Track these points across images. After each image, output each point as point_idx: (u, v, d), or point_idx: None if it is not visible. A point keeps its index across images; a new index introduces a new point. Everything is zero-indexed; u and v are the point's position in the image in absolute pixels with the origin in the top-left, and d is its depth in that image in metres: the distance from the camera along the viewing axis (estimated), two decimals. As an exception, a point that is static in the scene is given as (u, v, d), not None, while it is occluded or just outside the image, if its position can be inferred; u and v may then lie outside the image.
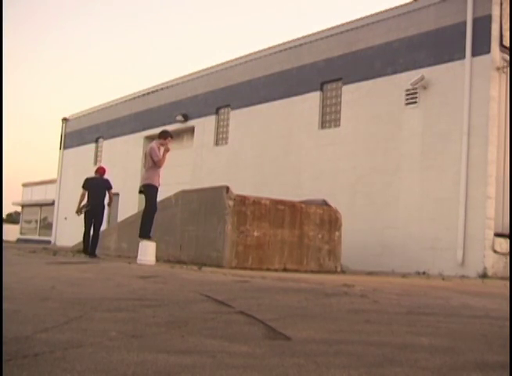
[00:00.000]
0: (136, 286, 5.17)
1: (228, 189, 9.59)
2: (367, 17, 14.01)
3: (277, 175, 15.48)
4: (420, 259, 11.68)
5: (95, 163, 24.20)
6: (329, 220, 10.65)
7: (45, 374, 1.89)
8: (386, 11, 13.62)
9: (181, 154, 19.82)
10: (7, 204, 42.49)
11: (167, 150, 9.52)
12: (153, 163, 9.49)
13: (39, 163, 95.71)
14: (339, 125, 14.40)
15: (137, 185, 20.42)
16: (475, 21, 11.70)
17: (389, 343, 2.74)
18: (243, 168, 16.61)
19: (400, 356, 2.42)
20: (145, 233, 9.42)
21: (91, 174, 12.01)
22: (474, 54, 11.68)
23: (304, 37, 15.55)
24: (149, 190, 9.58)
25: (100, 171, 11.65)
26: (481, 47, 11.59)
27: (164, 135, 9.66)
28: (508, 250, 11.14)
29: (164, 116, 20.11)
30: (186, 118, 19.14)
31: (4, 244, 14.00)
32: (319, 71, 14.95)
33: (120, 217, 18.06)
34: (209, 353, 2.33)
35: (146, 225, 9.46)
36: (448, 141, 11.95)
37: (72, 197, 25.17)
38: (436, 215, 11.86)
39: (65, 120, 26.85)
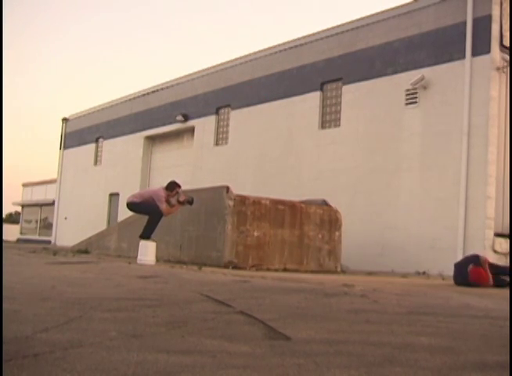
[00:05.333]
0: (136, 286, 5.18)
1: (228, 189, 9.59)
2: (367, 17, 14.01)
3: (277, 175, 15.47)
4: (419, 259, 11.67)
5: (96, 163, 24.21)
6: (330, 220, 10.65)
7: (45, 374, 1.89)
8: (386, 11, 13.62)
9: (181, 154, 19.84)
10: (7, 204, 42.54)
11: (180, 203, 9.52)
12: (152, 199, 9.49)
13: (39, 163, 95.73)
14: (339, 125, 14.39)
15: (137, 185, 20.58)
16: (475, 21, 11.70)
17: (389, 343, 2.74)
18: (243, 168, 16.60)
19: (400, 356, 2.42)
20: (146, 235, 9.47)
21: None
22: (474, 54, 11.68)
23: (304, 37, 15.55)
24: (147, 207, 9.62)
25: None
26: (481, 47, 11.59)
27: (171, 187, 9.62)
28: (508, 250, 11.13)
29: (164, 116, 20.11)
30: (186, 118, 19.13)
31: (4, 244, 14.00)
32: (319, 71, 14.95)
33: (120, 217, 18.06)
34: (209, 353, 2.32)
35: (149, 227, 9.52)
36: (448, 141, 11.95)
37: (72, 197, 25.24)
38: (436, 215, 11.86)
39: (65, 120, 26.84)
